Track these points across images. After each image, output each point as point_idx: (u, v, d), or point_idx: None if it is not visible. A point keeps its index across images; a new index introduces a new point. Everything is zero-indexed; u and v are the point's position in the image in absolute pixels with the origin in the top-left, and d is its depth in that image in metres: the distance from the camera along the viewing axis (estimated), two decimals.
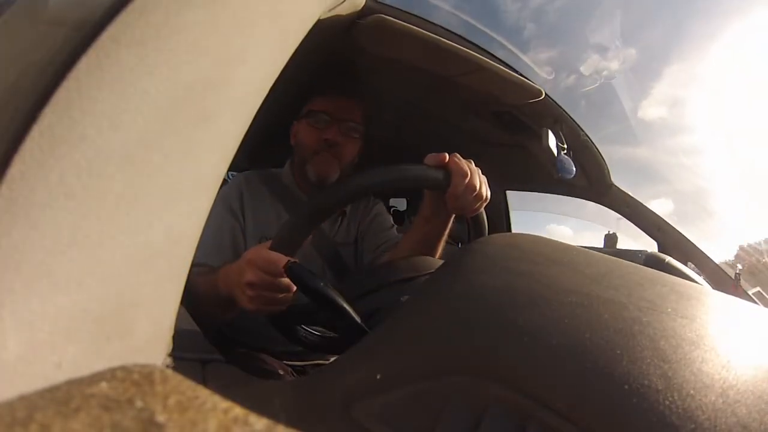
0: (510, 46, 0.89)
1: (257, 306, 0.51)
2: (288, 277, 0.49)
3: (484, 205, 0.63)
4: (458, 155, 0.59)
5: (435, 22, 0.81)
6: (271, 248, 0.49)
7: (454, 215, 0.66)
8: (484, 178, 0.62)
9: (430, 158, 0.58)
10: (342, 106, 0.85)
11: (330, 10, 0.56)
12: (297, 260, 0.50)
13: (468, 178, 0.57)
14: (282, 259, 0.47)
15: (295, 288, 0.50)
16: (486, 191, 0.61)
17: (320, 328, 0.55)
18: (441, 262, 0.53)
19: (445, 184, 0.57)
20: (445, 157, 0.57)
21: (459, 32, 0.83)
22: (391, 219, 0.96)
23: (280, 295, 0.50)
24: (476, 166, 0.62)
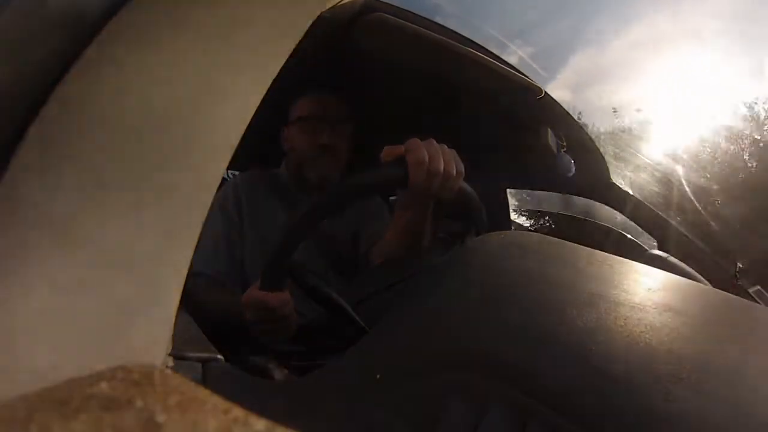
0: (511, 45, 0.88)
1: (264, 337, 0.57)
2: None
3: (458, 181, 0.56)
4: (416, 140, 0.53)
5: (435, 20, 0.80)
6: (260, 287, 0.53)
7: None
8: (452, 153, 0.55)
9: (386, 153, 0.53)
10: (330, 105, 0.83)
11: (329, 9, 0.56)
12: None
13: (426, 164, 0.51)
14: (271, 297, 0.51)
15: (294, 318, 0.55)
16: (453, 167, 0.55)
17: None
18: (441, 258, 0.53)
19: (405, 178, 0.52)
20: (400, 150, 0.52)
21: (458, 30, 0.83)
22: (387, 211, 0.93)
23: (282, 325, 0.55)
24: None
